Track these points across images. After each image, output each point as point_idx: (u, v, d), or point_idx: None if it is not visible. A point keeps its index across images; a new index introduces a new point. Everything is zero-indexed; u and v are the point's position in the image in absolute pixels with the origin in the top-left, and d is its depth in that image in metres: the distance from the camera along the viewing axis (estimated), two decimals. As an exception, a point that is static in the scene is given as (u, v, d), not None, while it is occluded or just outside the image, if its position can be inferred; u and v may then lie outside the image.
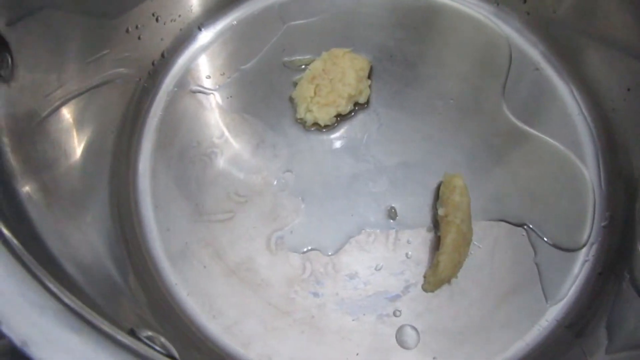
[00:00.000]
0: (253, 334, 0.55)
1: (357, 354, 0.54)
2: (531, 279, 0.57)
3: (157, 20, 0.65)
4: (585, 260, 0.59)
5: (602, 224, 0.60)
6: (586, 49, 0.66)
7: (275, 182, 0.61)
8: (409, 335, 0.55)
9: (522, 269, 0.58)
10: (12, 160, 0.46)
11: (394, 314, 0.56)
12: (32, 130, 0.49)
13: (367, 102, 0.65)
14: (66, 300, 0.35)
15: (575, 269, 0.58)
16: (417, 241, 0.59)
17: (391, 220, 0.60)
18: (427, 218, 0.60)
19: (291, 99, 0.65)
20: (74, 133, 0.55)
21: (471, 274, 0.57)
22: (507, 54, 0.68)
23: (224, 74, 0.67)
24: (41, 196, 0.47)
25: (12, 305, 0.34)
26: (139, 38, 0.63)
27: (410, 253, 0.58)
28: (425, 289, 0.57)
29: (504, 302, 0.56)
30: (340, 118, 0.64)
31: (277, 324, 0.55)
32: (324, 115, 0.62)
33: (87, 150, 0.56)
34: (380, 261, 0.58)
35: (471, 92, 0.66)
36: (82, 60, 0.56)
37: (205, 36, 0.69)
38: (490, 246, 0.59)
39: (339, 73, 0.63)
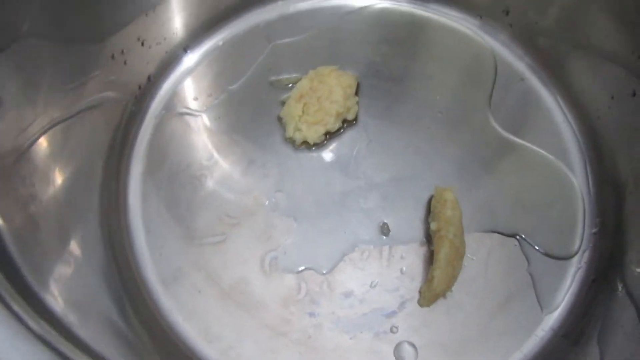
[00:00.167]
0: (250, 357, 0.54)
1: (355, 373, 0.54)
2: (525, 288, 0.58)
3: (142, 44, 0.65)
4: (578, 268, 0.59)
5: (593, 230, 0.61)
6: (570, 59, 0.67)
7: (266, 203, 0.61)
8: (407, 351, 0.55)
9: (516, 279, 0.58)
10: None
11: (391, 331, 0.56)
12: (15, 161, 0.48)
13: (356, 119, 0.65)
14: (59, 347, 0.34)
15: (569, 277, 0.59)
16: (411, 256, 0.59)
17: (384, 236, 0.60)
18: (419, 232, 0.60)
19: (279, 119, 0.65)
20: (60, 161, 0.54)
21: (466, 286, 0.57)
22: (493, 65, 0.69)
23: (211, 95, 0.67)
24: (27, 231, 0.46)
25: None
26: (124, 63, 0.63)
27: (404, 268, 0.58)
28: (421, 304, 0.56)
29: (500, 313, 0.57)
30: (329, 136, 0.64)
31: (274, 345, 0.55)
32: (313, 134, 0.62)
33: (74, 178, 0.55)
34: (375, 278, 0.58)
35: (458, 104, 0.67)
36: (66, 86, 0.55)
37: (191, 58, 0.69)
38: (483, 258, 0.59)
39: (327, 91, 0.63)
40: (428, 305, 0.56)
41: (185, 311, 0.56)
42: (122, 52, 0.62)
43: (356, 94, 0.66)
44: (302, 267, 0.58)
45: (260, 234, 0.59)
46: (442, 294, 0.56)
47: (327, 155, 0.64)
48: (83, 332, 0.41)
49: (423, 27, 0.72)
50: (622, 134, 0.61)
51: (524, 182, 0.63)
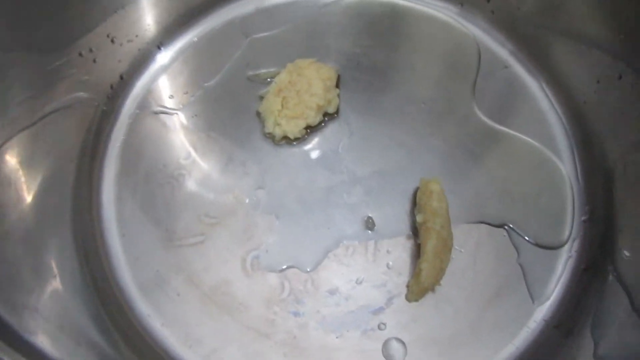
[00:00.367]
0: (233, 361, 0.52)
1: (343, 373, 0.52)
2: (516, 280, 0.56)
3: (112, 41, 0.63)
4: (569, 257, 0.58)
5: (583, 218, 0.60)
6: (553, 44, 0.66)
7: (247, 201, 0.59)
8: (396, 348, 0.53)
9: (506, 271, 0.57)
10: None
11: (379, 328, 0.54)
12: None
13: (337, 112, 0.64)
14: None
15: (560, 267, 0.58)
16: (397, 250, 0.57)
17: (369, 231, 0.58)
18: (405, 226, 0.58)
19: (258, 114, 0.63)
20: (26, 169, 0.52)
21: (455, 279, 0.56)
22: (476, 53, 0.68)
23: (187, 92, 0.65)
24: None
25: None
26: (94, 61, 0.61)
27: (391, 263, 0.57)
28: (409, 299, 0.55)
29: (490, 306, 0.55)
30: (310, 130, 0.62)
31: (258, 347, 0.53)
32: (293, 128, 0.61)
33: (44, 186, 0.54)
34: (361, 274, 0.56)
35: (442, 95, 0.65)
36: (32, 89, 0.54)
37: (165, 55, 0.67)
38: (472, 250, 0.57)
39: (306, 84, 0.61)
40: (416, 300, 0.55)
41: (164, 316, 0.54)
42: (91, 50, 0.60)
43: (337, 86, 0.64)
44: (285, 266, 0.56)
45: (241, 233, 0.58)
46: (431, 288, 0.55)
47: (309, 150, 0.62)
48: (54, 348, 0.40)
49: (404, 17, 0.70)
50: (609, 119, 0.60)
51: (511, 171, 0.61)
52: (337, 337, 0.54)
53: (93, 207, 0.58)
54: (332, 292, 0.55)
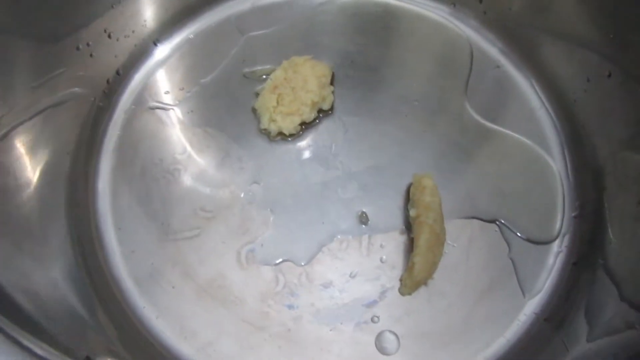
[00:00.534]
0: (228, 353, 0.53)
1: (337, 365, 0.53)
2: (507, 274, 0.57)
3: (109, 36, 0.63)
4: (559, 252, 0.59)
5: (573, 214, 0.60)
6: (544, 44, 0.67)
7: (242, 195, 0.60)
8: (389, 341, 0.54)
9: (498, 265, 0.57)
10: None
11: (372, 321, 0.54)
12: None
13: (332, 109, 0.64)
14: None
15: (550, 261, 0.58)
16: (391, 245, 0.58)
17: (363, 226, 0.58)
18: (399, 220, 0.59)
19: (254, 110, 0.64)
20: (27, 159, 0.53)
21: (447, 273, 0.56)
22: (468, 53, 0.69)
23: (183, 88, 0.65)
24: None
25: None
26: (90, 56, 0.61)
27: (384, 257, 0.57)
28: (402, 292, 0.56)
29: (482, 300, 0.56)
30: (305, 126, 0.63)
31: (253, 340, 0.53)
32: (288, 124, 0.61)
33: (42, 177, 0.54)
34: (355, 268, 0.57)
35: (435, 93, 0.66)
36: (30, 83, 0.54)
37: (162, 51, 0.68)
38: (464, 244, 0.58)
39: (301, 81, 0.62)
40: (409, 293, 0.55)
41: (159, 309, 0.55)
42: (88, 44, 0.60)
43: (331, 83, 0.65)
44: (280, 260, 0.57)
45: (236, 227, 0.58)
46: (424, 282, 0.55)
47: (304, 146, 0.63)
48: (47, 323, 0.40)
49: (397, 17, 0.71)
50: (599, 116, 0.61)
51: (503, 168, 0.62)
52: (331, 330, 0.54)
53: (89, 200, 0.59)
54: (326, 285, 0.56)
